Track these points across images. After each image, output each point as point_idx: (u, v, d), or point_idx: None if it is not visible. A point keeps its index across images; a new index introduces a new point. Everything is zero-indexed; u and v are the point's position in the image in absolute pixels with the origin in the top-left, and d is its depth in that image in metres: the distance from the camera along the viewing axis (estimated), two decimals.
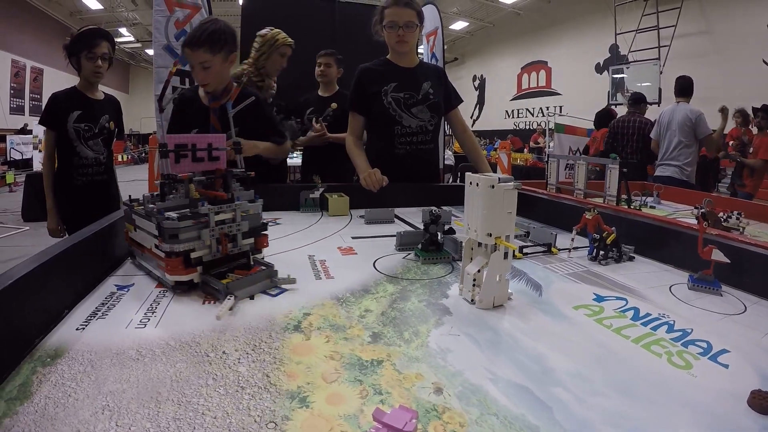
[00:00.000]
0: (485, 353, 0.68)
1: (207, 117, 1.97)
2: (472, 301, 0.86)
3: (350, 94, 2.15)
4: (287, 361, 0.64)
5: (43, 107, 2.40)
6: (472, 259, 0.89)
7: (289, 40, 2.54)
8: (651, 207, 2.48)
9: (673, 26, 11.24)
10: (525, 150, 11.88)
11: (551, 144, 7.23)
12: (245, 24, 4.85)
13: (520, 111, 17.46)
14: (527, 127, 16.41)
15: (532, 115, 16.93)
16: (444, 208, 1.83)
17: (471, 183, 0.84)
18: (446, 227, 1.14)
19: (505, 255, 0.84)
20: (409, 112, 2.06)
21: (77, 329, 0.74)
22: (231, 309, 0.81)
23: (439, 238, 1.12)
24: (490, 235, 0.82)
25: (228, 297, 0.82)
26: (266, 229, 1.03)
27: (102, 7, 15.58)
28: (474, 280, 0.86)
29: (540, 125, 14.09)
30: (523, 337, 0.73)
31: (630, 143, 4.95)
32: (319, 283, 0.96)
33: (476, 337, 0.73)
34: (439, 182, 2.24)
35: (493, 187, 0.80)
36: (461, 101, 2.26)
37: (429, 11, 6.00)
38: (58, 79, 15.94)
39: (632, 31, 12.10)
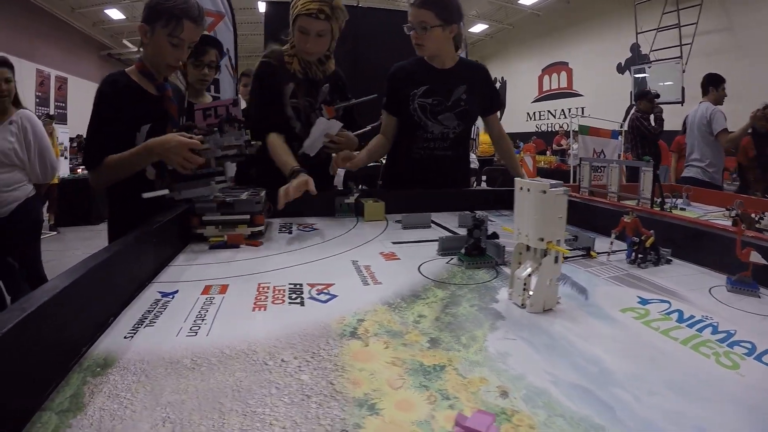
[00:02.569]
0: (543, 356, 0.68)
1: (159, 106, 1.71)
2: (523, 306, 0.87)
3: (387, 92, 2.08)
4: (349, 368, 0.64)
5: None
6: (520, 263, 0.90)
7: (309, 6, 1.78)
8: (681, 209, 2.45)
9: (694, 24, 11.06)
10: (548, 152, 11.77)
11: (575, 146, 7.18)
12: (268, 31, 4.91)
13: (542, 113, 17.23)
14: (549, 129, 16.20)
15: (554, 117, 16.72)
16: (477, 212, 1.84)
17: (522, 188, 0.85)
18: (489, 231, 1.14)
19: (555, 259, 0.85)
20: (435, 119, 2.01)
21: (125, 337, 0.73)
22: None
23: (482, 242, 1.12)
24: (542, 239, 0.83)
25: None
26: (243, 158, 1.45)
27: (124, 17, 15.85)
28: (524, 284, 0.87)
29: (562, 127, 13.96)
30: (577, 340, 0.74)
31: (629, 140, 4.96)
32: (368, 288, 0.97)
33: (532, 341, 0.73)
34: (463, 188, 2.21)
35: (544, 192, 0.81)
36: (502, 107, 2.21)
37: None
38: (83, 88, 16.28)
39: (653, 29, 11.93)
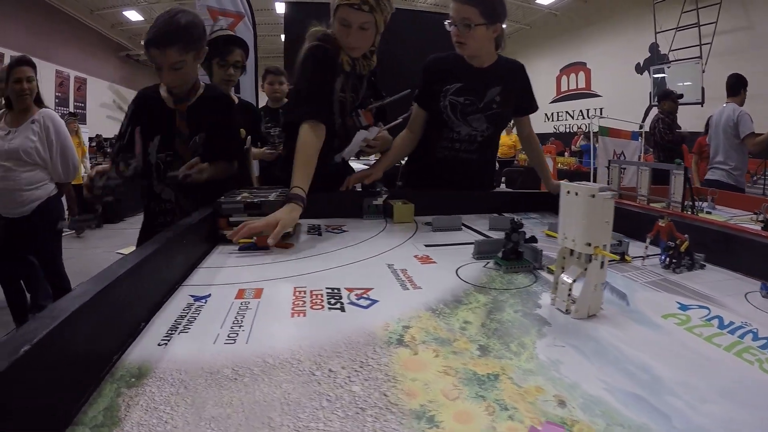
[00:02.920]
0: (594, 363, 0.67)
1: (171, 120, 1.76)
2: (567, 311, 0.85)
3: (422, 83, 2.00)
4: (401, 378, 0.61)
5: None
6: (563, 268, 0.88)
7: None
8: (707, 212, 2.42)
9: (713, 23, 10.91)
10: (566, 153, 11.67)
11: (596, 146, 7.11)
12: (288, 32, 4.92)
13: (560, 114, 17.04)
14: (567, 130, 16.06)
15: (572, 117, 16.57)
16: (506, 215, 1.82)
17: (569, 192, 0.83)
18: (527, 235, 1.12)
19: (602, 264, 0.83)
20: (464, 119, 1.94)
21: (159, 345, 0.70)
22: None
23: (519, 246, 1.11)
24: (590, 244, 0.81)
25: None
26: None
27: (142, 19, 16.03)
28: (570, 290, 0.85)
29: (581, 128, 13.84)
30: (624, 347, 0.73)
31: (651, 142, 4.92)
32: (408, 293, 0.94)
33: (581, 348, 0.72)
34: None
35: (593, 196, 0.79)
36: (535, 109, 2.11)
37: None
38: (101, 88, 16.51)
39: (672, 29, 11.80)
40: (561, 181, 0.86)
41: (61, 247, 3.09)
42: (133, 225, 7.15)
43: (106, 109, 16.36)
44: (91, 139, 11.10)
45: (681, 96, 5.37)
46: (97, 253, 5.40)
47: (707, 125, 4.49)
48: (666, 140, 4.95)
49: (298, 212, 1.34)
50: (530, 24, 17.23)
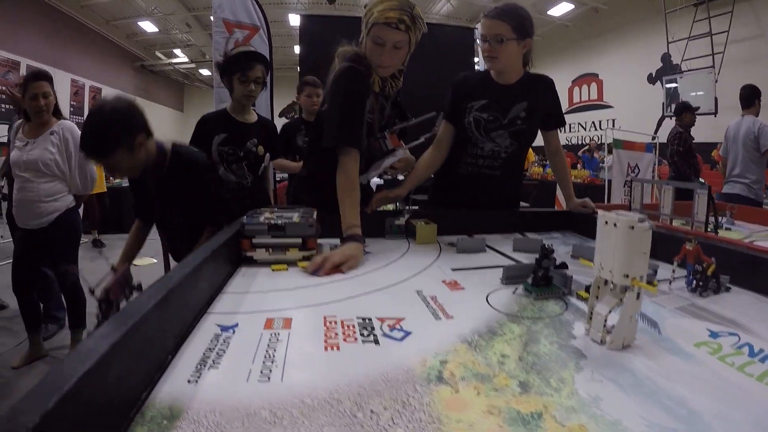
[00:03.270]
0: (633, 398, 0.66)
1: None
2: (602, 342, 0.83)
3: (450, 97, 2.01)
4: (446, 419, 0.59)
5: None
6: (598, 297, 0.87)
7: (393, 15, 1.58)
8: (727, 228, 2.39)
9: (725, 32, 10.86)
10: (578, 165, 11.60)
11: (608, 159, 7.08)
12: (303, 43, 4.97)
13: (572, 125, 16.96)
14: (579, 142, 15.97)
15: (585, 129, 16.52)
16: (528, 235, 1.81)
17: (607, 222, 0.82)
18: (558, 261, 1.11)
19: (638, 295, 0.82)
20: (488, 135, 1.94)
21: (189, 381, 0.67)
22: None
23: (549, 272, 1.09)
24: (627, 276, 0.80)
25: None
26: None
27: (157, 30, 16.24)
28: (605, 320, 0.84)
29: (593, 140, 13.78)
30: (660, 379, 0.72)
31: (667, 156, 4.90)
32: (441, 324, 0.93)
33: (619, 382, 0.71)
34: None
35: (632, 228, 0.78)
36: (563, 124, 2.09)
37: None
38: None
39: (684, 39, 11.74)
40: (599, 210, 0.85)
41: (77, 260, 3.10)
42: (149, 236, 7.23)
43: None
44: None
45: (698, 108, 5.34)
46: (110, 264, 5.42)
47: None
48: (684, 154, 4.93)
49: (362, 248, 1.42)
50: (542, 35, 17.17)
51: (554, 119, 2.07)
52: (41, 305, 3.16)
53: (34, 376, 2.73)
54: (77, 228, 3.05)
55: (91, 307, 2.23)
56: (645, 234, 0.79)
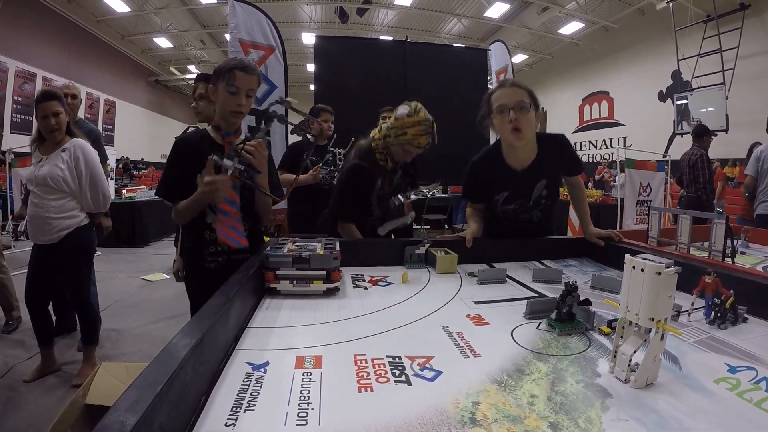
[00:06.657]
0: None
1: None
2: (626, 380, 0.85)
3: (464, 187, 2.13)
4: None
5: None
6: (623, 336, 0.89)
7: (423, 141, 1.99)
8: (741, 253, 2.38)
9: (735, 48, 10.87)
10: (589, 184, 11.53)
11: (620, 178, 7.07)
12: (318, 62, 5.04)
13: (583, 144, 17.01)
14: (590, 160, 15.97)
15: (596, 147, 16.54)
16: (546, 262, 1.82)
17: (634, 268, 0.84)
18: (581, 298, 1.13)
19: (662, 336, 0.84)
20: (518, 218, 2.00)
21: (226, 425, 0.67)
22: None
23: (573, 308, 1.11)
24: (653, 319, 0.82)
25: None
26: None
27: (172, 46, 16.49)
28: (630, 360, 0.86)
29: (605, 158, 13.73)
30: (683, 417, 0.74)
31: (685, 176, 4.90)
32: (469, 362, 0.94)
33: (644, 421, 0.73)
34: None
35: (659, 274, 0.80)
36: (580, 171, 2.12)
37: (498, 49, 6.14)
38: (130, 112, 16.93)
39: (694, 56, 11.75)
40: (627, 255, 0.87)
41: (89, 277, 3.11)
42: (158, 250, 7.20)
43: (134, 132, 16.78)
44: (117, 161, 11.35)
45: (715, 134, 5.40)
46: (121, 278, 5.39)
47: (752, 156, 4.34)
48: (706, 177, 4.97)
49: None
50: (552, 54, 17.28)
51: (573, 169, 2.10)
52: (54, 318, 3.17)
53: (45, 389, 2.75)
54: (89, 246, 3.04)
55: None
56: (671, 278, 0.82)
